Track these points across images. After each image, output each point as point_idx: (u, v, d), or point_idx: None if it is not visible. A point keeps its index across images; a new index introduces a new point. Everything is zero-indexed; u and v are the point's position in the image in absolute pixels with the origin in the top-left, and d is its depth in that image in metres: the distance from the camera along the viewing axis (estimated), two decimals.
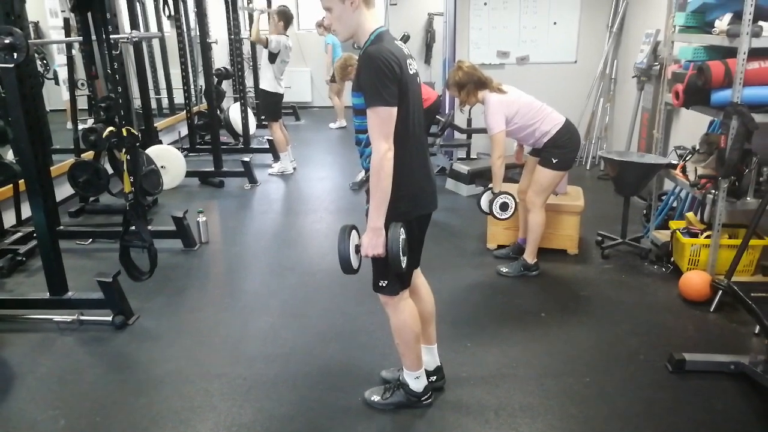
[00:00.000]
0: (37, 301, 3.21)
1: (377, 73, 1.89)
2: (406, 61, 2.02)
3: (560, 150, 3.46)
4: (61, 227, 4.23)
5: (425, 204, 2.18)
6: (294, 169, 6.38)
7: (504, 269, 3.69)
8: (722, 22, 3.15)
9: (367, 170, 2.06)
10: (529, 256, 3.64)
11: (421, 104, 2.15)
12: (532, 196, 3.58)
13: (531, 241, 3.63)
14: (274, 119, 6.12)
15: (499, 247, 4.05)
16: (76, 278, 3.36)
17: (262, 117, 6.10)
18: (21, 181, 4.07)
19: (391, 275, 2.14)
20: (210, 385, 2.61)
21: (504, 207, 3.56)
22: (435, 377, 2.50)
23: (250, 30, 6.10)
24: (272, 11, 5.99)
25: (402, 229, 2.02)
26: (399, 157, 1.99)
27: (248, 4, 6.73)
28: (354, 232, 2.06)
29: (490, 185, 3.57)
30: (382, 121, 1.91)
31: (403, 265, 2.03)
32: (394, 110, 1.93)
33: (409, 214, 2.11)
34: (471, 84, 3.47)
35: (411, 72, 2.04)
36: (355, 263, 2.04)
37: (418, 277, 2.42)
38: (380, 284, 2.17)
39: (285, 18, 5.86)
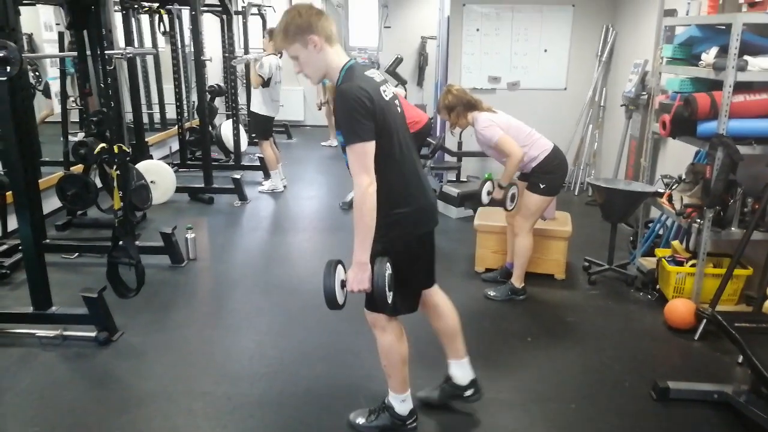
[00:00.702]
0: (21, 315, 3.18)
1: (350, 111, 1.93)
2: (379, 89, 2.05)
3: (548, 175, 3.49)
4: (48, 240, 4.20)
5: (425, 221, 2.19)
6: (284, 187, 6.38)
7: (491, 293, 3.70)
8: (709, 56, 3.22)
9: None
10: (517, 281, 3.66)
11: (405, 125, 2.18)
12: (520, 220, 3.60)
13: (518, 266, 3.65)
14: (265, 137, 6.14)
15: (487, 270, 4.06)
16: (61, 293, 3.33)
17: (253, 135, 6.13)
18: (8, 193, 4.05)
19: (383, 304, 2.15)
20: (194, 404, 2.59)
21: (513, 198, 3.59)
22: (471, 390, 2.48)
23: (245, 33, 6.09)
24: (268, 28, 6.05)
25: (388, 263, 2.02)
26: (392, 181, 2.03)
27: (232, 60, 6.85)
28: (340, 266, 2.05)
29: (487, 178, 3.57)
30: (360, 156, 1.94)
31: (389, 300, 2.03)
32: (371, 144, 1.96)
33: (410, 234, 2.13)
34: (460, 106, 3.52)
35: (387, 98, 2.07)
36: (340, 299, 2.03)
37: (437, 295, 2.42)
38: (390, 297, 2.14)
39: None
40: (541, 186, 3.49)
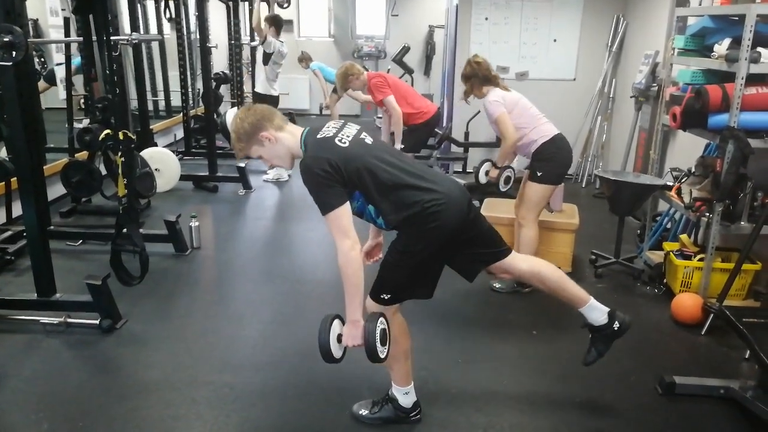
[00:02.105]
0: (24, 302, 3.17)
1: (316, 185, 2.00)
2: (335, 142, 2.07)
3: (543, 163, 3.44)
4: (52, 227, 4.19)
5: (450, 214, 2.09)
6: (289, 176, 6.36)
7: (497, 285, 3.67)
8: (721, 47, 3.17)
9: (385, 228, 2.18)
10: None
11: (380, 147, 2.19)
12: (523, 211, 3.57)
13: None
14: None
15: None
16: (65, 279, 3.32)
17: None
18: (13, 179, 4.05)
19: (396, 291, 2.16)
20: (196, 392, 2.58)
21: (507, 180, 3.59)
22: (617, 322, 2.37)
23: (250, 19, 6.13)
24: (266, 14, 6.03)
25: (382, 319, 2.07)
26: (387, 204, 2.06)
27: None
28: (336, 321, 2.09)
29: (488, 161, 3.58)
30: (336, 222, 2.00)
31: (382, 356, 2.06)
32: (343, 208, 2.00)
33: (438, 227, 2.07)
34: (476, 79, 3.52)
35: (347, 144, 2.07)
36: (337, 353, 2.07)
37: (523, 262, 2.38)
38: (382, 296, 2.17)
39: (275, 23, 5.93)
40: (538, 174, 3.45)
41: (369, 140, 2.17)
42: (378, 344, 2.03)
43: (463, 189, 2.20)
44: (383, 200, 2.07)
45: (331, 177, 1.99)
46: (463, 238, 2.18)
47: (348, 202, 2.03)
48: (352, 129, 2.17)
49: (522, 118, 3.46)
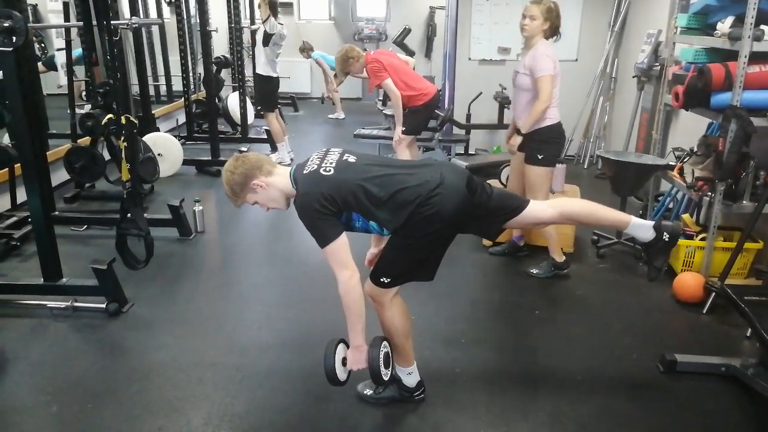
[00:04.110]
0: (31, 287, 3.21)
1: (312, 220, 2.04)
2: (321, 173, 2.09)
3: (547, 146, 3.41)
4: (57, 213, 4.21)
5: (448, 198, 2.10)
6: (291, 159, 6.36)
7: (534, 270, 3.64)
8: (724, 25, 3.15)
9: (390, 234, 2.18)
10: (556, 255, 3.58)
11: (363, 158, 2.22)
12: (531, 197, 3.51)
13: (551, 240, 3.57)
14: (270, 109, 6.10)
15: (495, 244, 4.06)
16: (71, 264, 3.35)
17: (259, 108, 6.12)
18: (17, 165, 4.06)
19: (396, 275, 2.19)
20: (203, 374, 2.62)
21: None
22: (665, 234, 2.31)
23: (251, 3, 6.09)
24: None
25: (385, 342, 2.15)
26: (384, 211, 2.08)
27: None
28: (341, 345, 2.16)
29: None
30: (334, 254, 2.05)
31: (385, 379, 2.17)
32: (340, 240, 2.05)
33: (437, 214, 2.08)
34: (547, 24, 3.34)
35: (331, 172, 2.10)
36: (341, 376, 2.14)
37: (549, 209, 2.35)
38: (381, 279, 2.19)
39: (271, 6, 5.88)
40: (539, 156, 3.41)
41: (352, 159, 2.19)
42: (381, 368, 2.13)
43: (459, 171, 2.21)
44: (381, 211, 2.09)
45: (326, 210, 2.03)
46: (471, 216, 2.18)
47: (344, 234, 2.07)
48: (334, 155, 2.19)
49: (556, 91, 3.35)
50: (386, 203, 2.08)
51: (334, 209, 2.05)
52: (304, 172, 2.14)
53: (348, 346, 2.18)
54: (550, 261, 3.62)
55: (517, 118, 3.53)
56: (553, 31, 3.38)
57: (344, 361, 2.16)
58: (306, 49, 8.63)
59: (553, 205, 2.35)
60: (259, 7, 5.84)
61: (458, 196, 2.11)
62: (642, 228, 2.32)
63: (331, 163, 2.14)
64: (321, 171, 2.11)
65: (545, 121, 3.38)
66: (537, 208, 2.31)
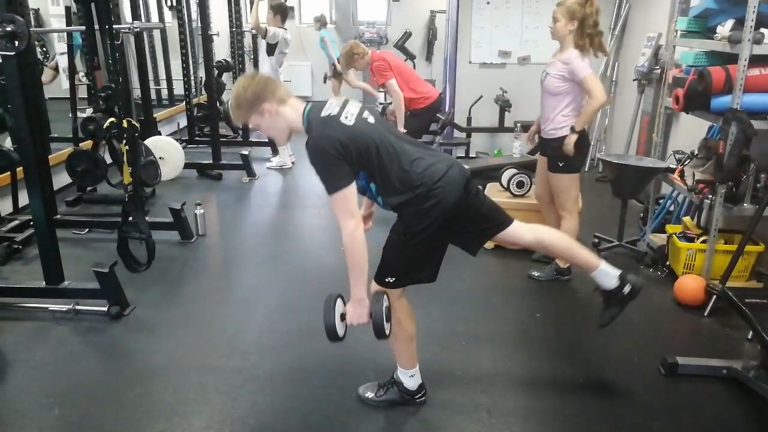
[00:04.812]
0: (33, 290, 3.21)
1: (324, 163, 2.00)
2: (341, 120, 2.05)
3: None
4: (58, 216, 4.22)
5: (448, 192, 2.10)
6: (293, 163, 6.37)
7: (536, 273, 3.65)
8: (724, 28, 3.16)
9: (382, 207, 2.19)
10: (561, 261, 3.58)
11: (383, 124, 2.19)
12: (560, 204, 3.50)
13: None
14: None
15: (496, 246, 4.06)
16: (72, 267, 3.36)
17: None
18: (19, 169, 4.07)
19: (400, 274, 2.18)
20: (204, 377, 2.62)
21: (520, 185, 3.53)
22: (628, 285, 2.39)
23: (251, 7, 6.10)
24: (270, 2, 6.00)
25: (386, 296, 2.11)
26: (404, 171, 2.06)
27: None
28: (339, 300, 2.13)
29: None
30: (341, 202, 2.00)
31: (387, 333, 2.11)
32: (350, 189, 2.01)
33: (436, 206, 2.08)
34: (579, 27, 3.21)
35: (352, 123, 2.06)
36: (340, 332, 2.11)
37: (529, 233, 2.38)
38: (387, 280, 2.18)
39: (281, 11, 5.90)
40: (560, 164, 3.38)
41: (371, 120, 2.15)
42: (384, 322, 2.07)
43: (462, 168, 2.21)
44: (388, 179, 2.07)
45: (340, 156, 1.98)
46: (463, 217, 2.19)
47: (354, 182, 2.03)
48: (354, 108, 2.13)
49: (581, 96, 3.33)
50: (394, 173, 2.06)
51: (348, 157, 2.00)
52: (322, 114, 2.08)
53: (345, 303, 2.13)
54: (554, 265, 3.62)
55: (542, 119, 3.49)
56: (583, 29, 3.22)
57: (343, 317, 2.11)
58: (320, 21, 8.50)
59: (534, 230, 2.38)
60: (255, 23, 5.82)
61: (457, 192, 2.12)
62: (608, 276, 2.38)
63: (352, 114, 2.08)
64: (341, 118, 2.05)
65: (566, 129, 3.32)
66: (518, 230, 2.35)
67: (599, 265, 2.37)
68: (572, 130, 3.30)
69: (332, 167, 1.99)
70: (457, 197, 2.12)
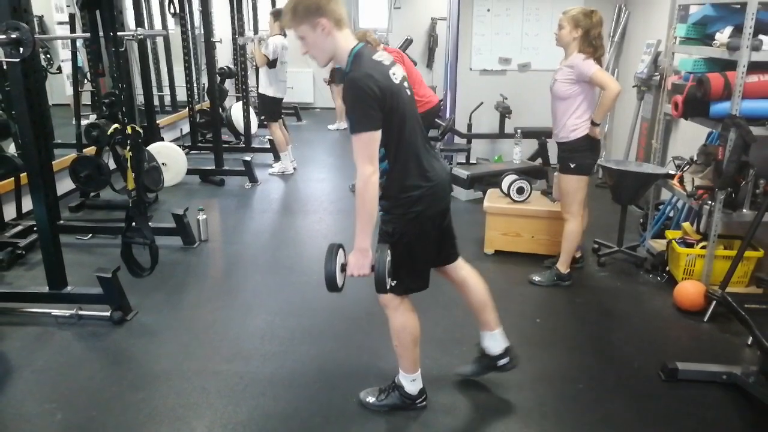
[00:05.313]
0: (36, 295, 3.23)
1: (359, 100, 1.94)
2: (389, 73, 2.05)
3: (578, 154, 3.44)
4: (62, 222, 4.25)
5: (438, 200, 2.18)
6: (294, 169, 6.40)
7: (537, 278, 3.67)
8: (723, 35, 3.18)
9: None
10: (563, 266, 3.61)
11: (414, 107, 2.19)
12: (564, 206, 3.58)
13: (564, 251, 3.60)
14: (273, 120, 6.15)
15: (497, 252, 4.08)
16: (75, 273, 3.38)
17: (262, 117, 6.19)
18: (23, 175, 4.09)
19: (402, 276, 2.17)
20: (207, 382, 2.63)
21: (520, 191, 3.58)
22: (506, 359, 2.48)
23: (254, 15, 6.14)
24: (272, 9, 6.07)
25: (389, 251, 2.06)
26: (404, 162, 2.07)
27: (240, 37, 6.82)
28: (341, 251, 2.09)
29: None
30: (366, 145, 1.96)
31: (389, 286, 2.08)
32: (377, 134, 1.97)
33: (423, 213, 2.13)
34: (584, 35, 3.33)
35: (396, 81, 2.07)
36: (339, 282, 2.07)
37: (462, 269, 2.44)
38: (390, 283, 2.17)
39: (280, 18, 5.94)
40: (571, 165, 3.45)
41: (409, 93, 2.16)
42: (386, 275, 2.03)
43: (449, 174, 2.26)
44: (393, 157, 2.06)
45: (376, 99, 1.94)
46: (442, 225, 2.25)
47: (380, 131, 1.98)
48: (400, 72, 2.13)
49: (592, 101, 3.39)
50: (401, 156, 2.06)
51: (380, 102, 1.96)
52: (374, 57, 2.06)
53: (346, 255, 2.10)
54: (555, 271, 3.63)
55: (555, 126, 3.57)
56: (587, 39, 3.33)
57: (343, 268, 2.07)
58: None
59: (464, 268, 2.45)
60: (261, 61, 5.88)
61: (444, 199, 2.22)
62: (498, 342, 2.48)
63: (396, 76, 2.08)
64: (389, 72, 2.05)
65: (578, 132, 3.41)
66: (458, 266, 2.42)
67: (496, 329, 2.45)
68: (593, 123, 3.41)
69: (365, 106, 1.94)
70: (442, 204, 2.20)
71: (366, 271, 2.05)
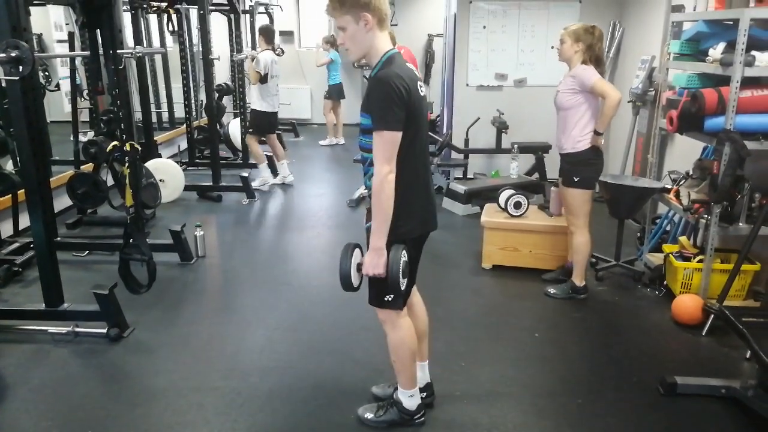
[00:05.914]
0: (33, 312, 3.22)
1: (386, 98, 1.94)
2: (416, 83, 2.07)
3: (583, 168, 3.46)
4: (59, 238, 4.22)
5: (426, 224, 2.23)
6: (291, 183, 6.43)
7: (552, 290, 3.69)
8: (716, 51, 3.22)
9: (369, 188, 2.10)
10: (578, 279, 3.62)
11: (427, 127, 2.21)
12: (570, 219, 3.61)
13: (578, 263, 3.61)
14: (258, 133, 6.24)
15: (494, 266, 4.08)
16: (72, 290, 3.37)
17: (250, 129, 6.24)
18: (20, 192, 4.09)
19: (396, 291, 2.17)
20: (204, 398, 2.62)
21: (517, 206, 3.58)
22: (425, 393, 2.51)
23: (252, 32, 6.22)
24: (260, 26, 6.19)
25: (404, 251, 2.06)
26: (403, 177, 2.03)
27: (238, 54, 6.90)
28: (357, 250, 2.09)
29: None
30: (386, 144, 1.96)
31: (402, 287, 2.07)
32: (399, 134, 1.97)
33: (410, 233, 2.15)
34: (586, 48, 3.40)
35: (422, 93, 2.10)
36: (355, 281, 2.07)
37: (414, 295, 2.44)
38: (386, 299, 2.17)
39: (266, 34, 6.09)
40: (575, 179, 3.47)
41: (426, 110, 2.17)
42: (400, 275, 2.02)
43: (435, 212, 2.28)
44: (399, 168, 2.02)
45: (403, 100, 1.94)
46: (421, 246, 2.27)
47: (401, 133, 1.97)
48: (425, 88, 2.16)
49: (596, 112, 3.42)
50: (402, 164, 2.02)
51: (406, 104, 1.96)
52: (407, 64, 2.08)
53: (362, 253, 2.10)
54: (570, 283, 3.65)
55: (559, 138, 3.59)
56: (591, 53, 3.41)
57: (359, 267, 2.07)
58: (330, 43, 8.58)
59: (416, 294, 2.44)
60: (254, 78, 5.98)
61: (432, 222, 2.25)
62: (424, 371, 2.50)
63: (421, 87, 2.10)
64: (418, 82, 2.08)
65: (581, 144, 3.43)
66: (414, 290, 2.40)
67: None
68: (596, 132, 3.42)
69: (392, 105, 1.93)
70: (428, 226, 2.22)
71: (381, 270, 2.04)
